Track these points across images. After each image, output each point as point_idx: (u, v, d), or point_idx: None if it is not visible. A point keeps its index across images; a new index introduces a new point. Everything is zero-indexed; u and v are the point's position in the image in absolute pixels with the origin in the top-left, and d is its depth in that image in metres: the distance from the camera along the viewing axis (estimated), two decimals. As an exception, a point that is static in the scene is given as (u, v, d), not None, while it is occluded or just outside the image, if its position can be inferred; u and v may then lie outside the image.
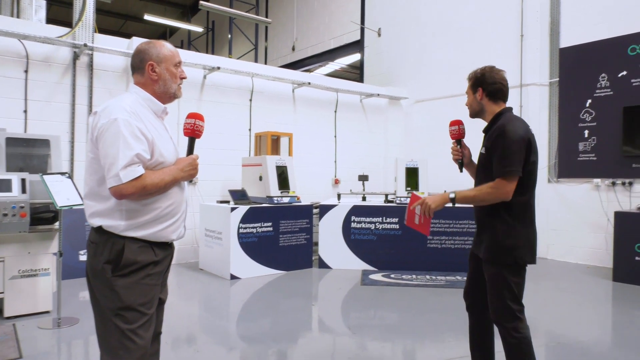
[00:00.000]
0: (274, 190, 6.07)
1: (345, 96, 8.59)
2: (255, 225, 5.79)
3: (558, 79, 7.09)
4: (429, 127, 8.92)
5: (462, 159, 2.73)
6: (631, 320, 4.30)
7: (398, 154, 8.81)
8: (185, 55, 6.60)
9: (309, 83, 7.64)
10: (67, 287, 4.88)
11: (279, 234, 6.00)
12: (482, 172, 2.44)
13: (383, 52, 9.95)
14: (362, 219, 6.26)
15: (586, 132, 6.74)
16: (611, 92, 6.50)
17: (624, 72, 6.39)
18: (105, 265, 1.83)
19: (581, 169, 6.78)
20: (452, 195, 2.34)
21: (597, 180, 6.64)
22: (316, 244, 6.41)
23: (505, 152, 2.25)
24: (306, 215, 6.30)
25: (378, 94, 8.65)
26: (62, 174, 3.94)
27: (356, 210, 6.28)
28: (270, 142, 7.18)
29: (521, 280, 2.35)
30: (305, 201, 6.72)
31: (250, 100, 7.38)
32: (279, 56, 13.36)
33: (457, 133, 2.74)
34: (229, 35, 12.83)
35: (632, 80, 6.31)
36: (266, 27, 13.82)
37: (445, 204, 2.36)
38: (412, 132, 9.24)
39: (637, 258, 5.46)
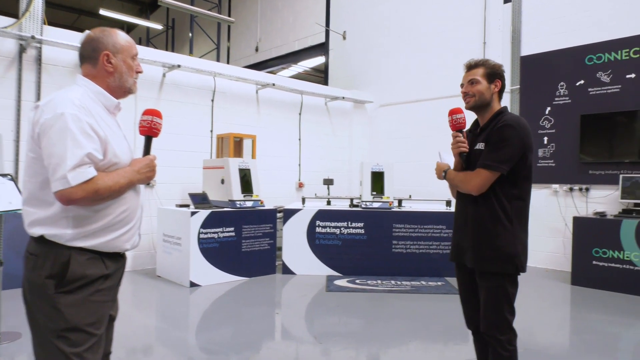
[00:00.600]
0: (236, 194, 5.86)
1: (310, 99, 8.47)
2: (217, 230, 5.56)
3: (519, 86, 7.23)
4: (393, 131, 8.94)
5: (465, 152, 2.39)
6: (591, 325, 4.37)
7: (362, 158, 8.77)
8: (143, 51, 6.29)
9: (274, 84, 7.48)
10: (9, 298, 4.49)
11: (241, 239, 5.79)
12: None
13: (348, 55, 9.91)
14: (327, 223, 6.14)
15: (545, 138, 6.90)
16: (569, 100, 6.68)
17: (582, 81, 6.58)
18: (47, 280, 1.60)
19: (541, 174, 6.93)
20: (446, 168, 2.43)
21: (556, 186, 6.80)
22: (280, 249, 6.24)
23: (502, 145, 2.15)
24: (270, 220, 6.12)
25: (343, 97, 8.58)
26: (4, 175, 3.61)
27: (321, 215, 6.15)
28: (233, 144, 6.96)
29: (516, 289, 2.27)
30: (268, 205, 6.53)
31: (212, 100, 7.14)
32: (242, 57, 13.11)
33: (463, 121, 2.41)
34: (190, 34, 12.48)
35: (589, 89, 6.51)
36: (229, 27, 13.54)
37: (439, 174, 2.47)
38: (377, 136, 9.24)
39: (594, 262, 5.60)
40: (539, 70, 7.01)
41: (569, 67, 6.69)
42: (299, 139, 8.35)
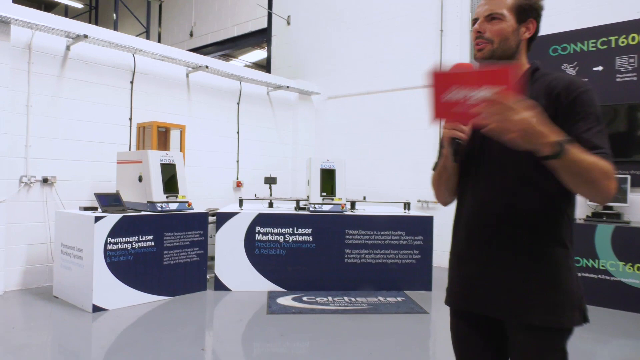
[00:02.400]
0: (157, 194, 4.77)
1: (250, 87, 7.47)
2: (130, 239, 4.45)
3: (479, 78, 6.65)
4: (342, 125, 8.14)
5: (460, 140, 1.39)
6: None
7: (308, 155, 7.89)
8: (40, 17, 5.03)
9: (207, 67, 6.41)
10: None
11: (162, 249, 4.71)
12: (531, 158, 1.25)
13: (293, 42, 9.00)
14: (269, 229, 5.19)
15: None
16: (533, 94, 6.17)
17: (546, 74, 6.09)
18: None
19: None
20: (558, 142, 1.17)
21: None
22: (212, 259, 5.21)
23: (598, 121, 1.34)
24: (199, 226, 5.08)
25: (287, 86, 7.66)
26: None
27: (262, 219, 5.20)
28: (157, 135, 5.83)
29: None
30: (199, 208, 5.49)
31: (132, 82, 5.96)
32: (175, 42, 11.81)
33: None
34: (115, 15, 11.06)
35: (554, 83, 6.02)
36: (160, 8, 12.19)
37: (539, 146, 1.18)
38: (324, 130, 8.40)
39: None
40: (501, 61, 6.46)
41: (533, 58, 6.16)
42: (237, 132, 7.33)
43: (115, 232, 4.32)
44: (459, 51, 6.88)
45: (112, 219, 4.32)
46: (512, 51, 1.50)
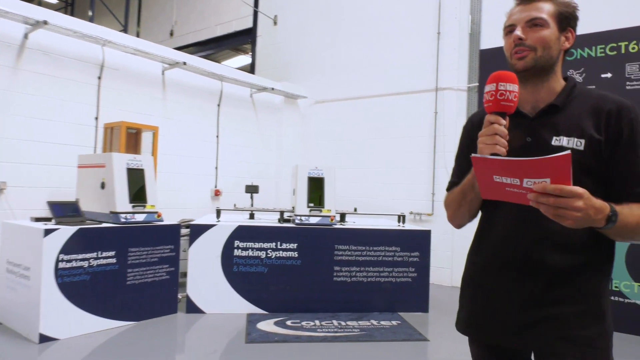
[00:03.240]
0: (121, 203, 4.18)
1: (232, 87, 6.93)
2: (88, 256, 3.84)
3: (477, 83, 6.24)
4: (330, 132, 7.64)
5: (499, 155, 1.21)
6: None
7: (293, 162, 7.36)
8: (-8, -1, 4.43)
9: (185, 63, 5.85)
10: None
11: (126, 267, 4.11)
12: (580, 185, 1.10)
13: (279, 43, 8.50)
14: (250, 244, 4.63)
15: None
16: (536, 101, 5.77)
17: (550, 79, 5.69)
18: None
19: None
20: (613, 209, 1.16)
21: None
22: (185, 276, 4.62)
23: None
24: (170, 239, 4.49)
25: (272, 88, 7.14)
26: None
27: (241, 233, 4.63)
28: (126, 137, 5.24)
29: None
30: (171, 219, 4.91)
31: (100, 78, 5.37)
32: (154, 42, 11.19)
33: (515, 98, 1.26)
34: (90, 13, 10.41)
35: (558, 89, 5.63)
36: (139, 5, 11.59)
37: (593, 224, 1.14)
38: (311, 137, 7.88)
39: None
40: (502, 66, 6.04)
41: (536, 62, 5.77)
42: (217, 136, 6.76)
43: (69, 247, 3.71)
44: (457, 55, 6.47)
45: (66, 232, 3.72)
46: (553, 61, 1.39)
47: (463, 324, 1.53)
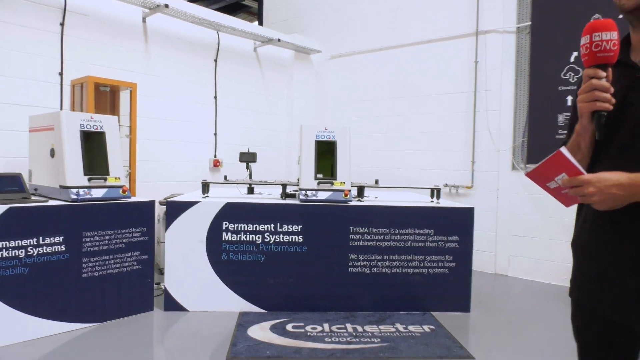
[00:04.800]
0: (73, 175, 3.26)
1: (231, 39, 5.88)
2: (24, 242, 2.96)
3: (530, 23, 5.01)
4: (348, 91, 6.54)
5: (604, 112, 1.16)
6: None
7: (306, 128, 6.32)
8: None
9: (166, 6, 4.79)
10: None
11: (80, 255, 3.22)
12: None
13: (289, -9, 7.35)
14: (242, 225, 3.67)
15: (569, 98, 4.74)
16: (610, 41, 4.51)
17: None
18: None
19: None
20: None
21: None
22: (161, 268, 3.72)
23: None
24: (142, 221, 3.57)
25: (279, 40, 6.04)
26: None
27: (231, 211, 3.67)
28: (95, 96, 4.30)
29: None
30: (157, 194, 4.01)
31: (62, 25, 4.41)
32: None
33: (615, 47, 1.13)
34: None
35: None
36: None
37: (633, 199, 1.13)
38: (326, 97, 6.80)
39: None
40: (562, -1, 4.81)
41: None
42: (215, 97, 5.77)
43: (-4, 232, 2.83)
44: (502, -11, 5.21)
45: (-9, 212, 2.83)
46: None
47: (570, 287, 1.44)
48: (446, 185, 5.55)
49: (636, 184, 1.10)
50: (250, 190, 4.42)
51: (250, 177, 4.54)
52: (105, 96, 4.60)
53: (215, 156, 5.76)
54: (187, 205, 3.63)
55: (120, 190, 3.45)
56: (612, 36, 1.14)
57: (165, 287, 3.62)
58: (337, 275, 3.72)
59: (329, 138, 3.86)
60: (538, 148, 4.93)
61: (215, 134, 5.77)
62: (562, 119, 4.80)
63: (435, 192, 4.15)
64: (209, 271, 3.64)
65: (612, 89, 1.15)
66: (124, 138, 4.63)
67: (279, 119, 6.58)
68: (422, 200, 4.24)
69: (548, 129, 4.83)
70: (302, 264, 3.70)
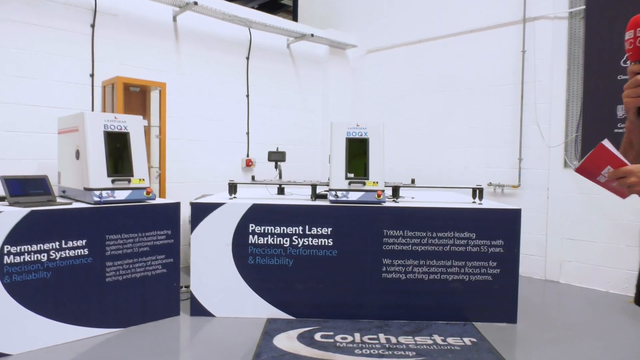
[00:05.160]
0: (96, 177, 3.19)
1: (263, 36, 5.75)
2: (47, 246, 2.91)
3: (584, 7, 4.56)
4: (386, 87, 6.26)
5: None
6: None
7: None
8: None
9: (196, 3, 4.70)
10: None
11: (103, 259, 3.15)
12: None
13: (324, -15, 7.15)
14: (269, 228, 3.51)
15: (630, 87, 4.26)
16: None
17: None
18: None
19: (619, 146, 4.31)
20: None
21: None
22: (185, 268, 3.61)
23: None
24: (167, 223, 3.47)
25: (312, 35, 5.85)
26: None
27: (258, 213, 3.51)
28: (125, 96, 4.27)
29: None
30: (187, 196, 3.93)
31: (93, 26, 4.40)
32: None
33: (634, 46, 1.15)
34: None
35: None
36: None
37: None
38: (362, 94, 6.55)
39: None
40: (621, -23, 4.34)
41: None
42: (247, 96, 5.65)
43: (18, 235, 2.79)
44: (552, -30, 4.78)
45: (13, 215, 2.79)
46: None
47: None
48: (490, 184, 5.18)
49: None
50: (281, 191, 4.26)
51: (280, 177, 4.38)
52: (136, 97, 4.57)
53: (247, 156, 5.65)
54: (213, 207, 3.50)
55: (145, 192, 3.37)
56: None
57: (191, 292, 3.51)
58: (369, 281, 3.49)
59: (361, 135, 3.63)
60: (594, 143, 4.46)
61: (247, 133, 5.65)
62: (620, 111, 4.33)
63: (477, 192, 3.83)
64: (235, 276, 3.50)
65: None
66: (154, 139, 4.59)
67: (313, 116, 6.39)
68: (463, 200, 3.92)
69: (605, 122, 4.38)
70: (333, 269, 3.49)
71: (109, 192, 3.21)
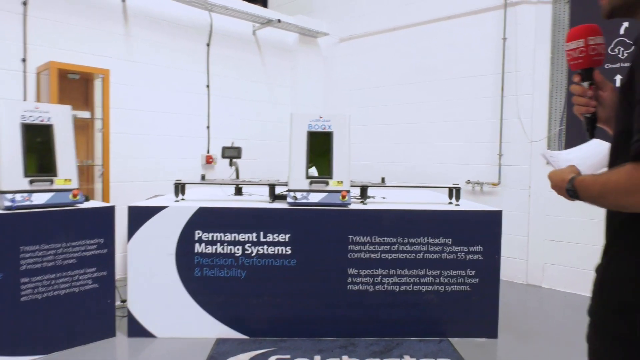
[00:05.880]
0: (10, 177, 2.71)
1: (225, 21, 5.28)
2: (-59, 261, 2.42)
3: (569, -11, 4.22)
4: (360, 78, 5.86)
5: (595, 112, 1.23)
6: None
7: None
8: None
9: (145, -19, 4.23)
10: None
11: (17, 275, 2.67)
12: (622, 136, 1.02)
13: (295, -32, 6.69)
14: (218, 235, 3.07)
15: (619, 77, 3.94)
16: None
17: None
18: None
19: (605, 138, 3.99)
20: (570, 183, 1.11)
21: None
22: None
23: None
24: (98, 231, 3.00)
25: (279, 20, 5.39)
26: None
27: (205, 218, 3.07)
28: (57, 83, 3.77)
29: None
30: (135, 196, 3.45)
31: (25, 4, 3.88)
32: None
33: (582, 55, 1.19)
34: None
35: None
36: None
37: (560, 187, 1.15)
38: (335, 86, 6.13)
39: None
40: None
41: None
42: (207, 86, 5.18)
43: None
44: (535, -49, 4.42)
45: None
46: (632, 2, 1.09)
47: None
48: (469, 182, 4.83)
49: (562, 186, 1.14)
50: (239, 192, 3.82)
51: (237, 176, 3.93)
52: (77, 85, 4.07)
53: (208, 152, 5.18)
54: (153, 210, 3.04)
55: (71, 195, 2.89)
56: (578, 44, 1.20)
57: (128, 309, 3.06)
58: (333, 294, 3.08)
59: (324, 128, 3.21)
60: (580, 137, 4.14)
61: (208, 127, 5.18)
62: (609, 102, 4.00)
63: (454, 192, 3.44)
64: (179, 290, 3.05)
65: (590, 92, 1.21)
66: (98, 133, 4.10)
67: (282, 109, 5.94)
68: (438, 201, 3.54)
69: (592, 114, 4.05)
70: (291, 280, 3.07)
71: (25, 195, 2.72)
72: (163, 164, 4.77)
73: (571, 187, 1.10)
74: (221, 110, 5.29)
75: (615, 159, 1.06)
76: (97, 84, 4.15)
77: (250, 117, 5.59)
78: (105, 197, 4.02)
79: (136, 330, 3.05)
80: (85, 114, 4.04)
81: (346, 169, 3.16)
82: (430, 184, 4.14)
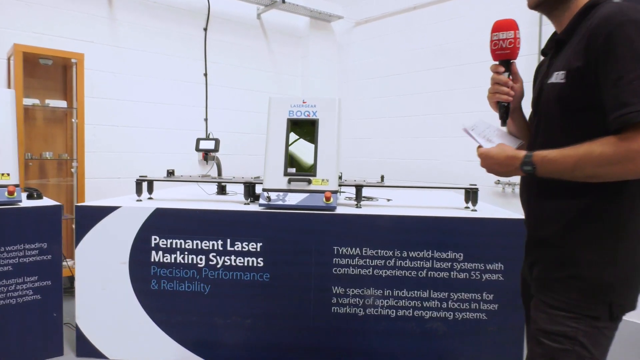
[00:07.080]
0: None
1: (225, 3, 4.82)
2: None
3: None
4: (378, 65, 5.25)
5: (505, 102, 1.38)
6: None
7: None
8: None
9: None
10: None
11: None
12: (557, 122, 1.18)
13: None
14: (178, 242, 2.58)
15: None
16: None
17: None
18: None
19: None
20: (527, 159, 1.15)
21: None
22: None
23: (634, 65, 0.99)
24: (41, 234, 2.58)
25: (283, 1, 4.87)
26: None
27: (163, 222, 2.59)
28: (24, 69, 3.41)
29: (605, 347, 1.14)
30: (114, 195, 3.06)
31: (-5, -18, 3.56)
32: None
33: (512, 45, 1.33)
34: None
35: None
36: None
37: (507, 167, 1.22)
38: (351, 74, 5.55)
39: None
40: None
41: None
42: (205, 75, 4.74)
43: None
44: None
45: None
46: None
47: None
48: (499, 182, 4.14)
49: (513, 163, 1.20)
50: (222, 190, 3.34)
51: (220, 173, 3.45)
52: (52, 72, 3.72)
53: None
54: (104, 211, 2.60)
55: (6, 192, 2.48)
56: (508, 35, 1.32)
57: (77, 325, 2.63)
58: (313, 317, 2.53)
59: (308, 115, 2.66)
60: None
61: (205, 120, 4.74)
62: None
63: (472, 193, 2.80)
64: (134, 305, 2.59)
65: (510, 83, 1.34)
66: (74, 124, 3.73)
67: (290, 101, 5.42)
68: (451, 205, 2.92)
69: None
70: (264, 298, 2.54)
71: (-51, 191, 2.34)
72: (153, 159, 4.36)
73: (530, 161, 1.14)
74: (221, 101, 4.84)
75: (550, 137, 1.18)
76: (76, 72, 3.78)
77: (255, 108, 5.10)
78: (80, 195, 3.64)
79: (86, 349, 2.62)
80: (61, 104, 3.67)
81: (334, 165, 2.60)
82: (450, 184, 3.49)
